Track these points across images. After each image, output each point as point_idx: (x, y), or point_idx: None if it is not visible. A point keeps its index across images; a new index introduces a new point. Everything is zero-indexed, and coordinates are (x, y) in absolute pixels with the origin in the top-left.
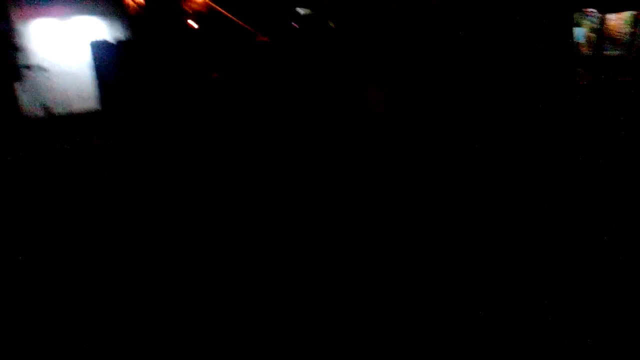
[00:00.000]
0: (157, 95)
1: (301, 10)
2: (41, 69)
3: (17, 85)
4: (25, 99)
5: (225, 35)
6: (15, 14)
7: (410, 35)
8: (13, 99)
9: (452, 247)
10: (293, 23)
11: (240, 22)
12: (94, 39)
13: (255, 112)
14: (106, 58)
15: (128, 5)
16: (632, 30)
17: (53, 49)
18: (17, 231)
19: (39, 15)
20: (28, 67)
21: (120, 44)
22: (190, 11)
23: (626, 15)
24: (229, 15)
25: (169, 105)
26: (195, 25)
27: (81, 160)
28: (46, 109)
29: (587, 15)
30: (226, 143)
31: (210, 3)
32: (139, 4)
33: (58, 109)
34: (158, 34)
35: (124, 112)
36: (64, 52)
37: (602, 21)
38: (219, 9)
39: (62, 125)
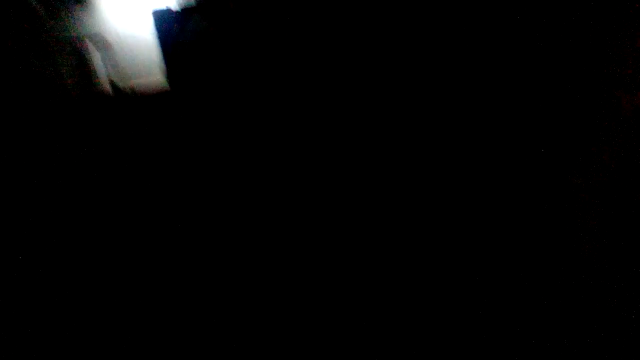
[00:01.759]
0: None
1: None
2: (104, 40)
3: (75, 58)
4: (85, 73)
5: None
6: None
7: None
8: (71, 73)
9: None
10: None
11: None
12: (155, 8)
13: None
14: (171, 29)
15: None
16: None
17: (120, 17)
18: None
19: None
20: (80, 39)
21: (186, 12)
22: None
23: None
24: None
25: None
26: None
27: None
28: (110, 83)
29: None
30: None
31: None
32: None
33: (121, 84)
34: None
35: (196, 91)
36: (131, 20)
37: None
38: None
39: (126, 101)
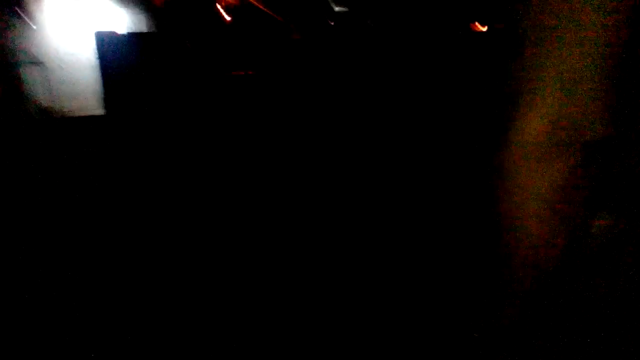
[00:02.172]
0: (176, 97)
1: (336, 7)
2: (38, 63)
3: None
4: (19, 98)
5: (258, 30)
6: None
7: None
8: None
9: None
10: (329, 20)
11: (275, 16)
12: (99, 30)
13: (288, 115)
14: (114, 53)
15: None
16: None
17: (55, 39)
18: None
19: None
20: (30, 62)
21: (133, 36)
22: (223, 2)
23: None
24: (263, 8)
25: (189, 108)
26: (227, 18)
27: (80, 171)
28: (42, 110)
29: None
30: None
31: None
32: None
33: (55, 111)
34: (183, 26)
35: (134, 117)
36: (68, 43)
37: None
38: (254, 1)
39: (60, 129)
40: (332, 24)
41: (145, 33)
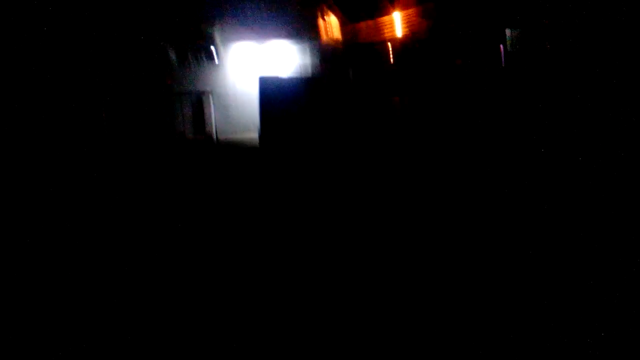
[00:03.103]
0: (327, 138)
1: (508, 31)
2: (211, 95)
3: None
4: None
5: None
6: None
7: None
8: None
9: None
10: (500, 45)
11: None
12: (263, 74)
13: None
14: (274, 95)
15: (323, 42)
16: None
17: (233, 76)
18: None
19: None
20: (201, 92)
21: (292, 80)
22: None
23: None
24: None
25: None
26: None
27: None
28: (205, 134)
29: None
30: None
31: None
32: (335, 41)
33: (219, 136)
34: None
35: (285, 152)
36: (241, 80)
37: None
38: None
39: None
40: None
41: (305, 78)
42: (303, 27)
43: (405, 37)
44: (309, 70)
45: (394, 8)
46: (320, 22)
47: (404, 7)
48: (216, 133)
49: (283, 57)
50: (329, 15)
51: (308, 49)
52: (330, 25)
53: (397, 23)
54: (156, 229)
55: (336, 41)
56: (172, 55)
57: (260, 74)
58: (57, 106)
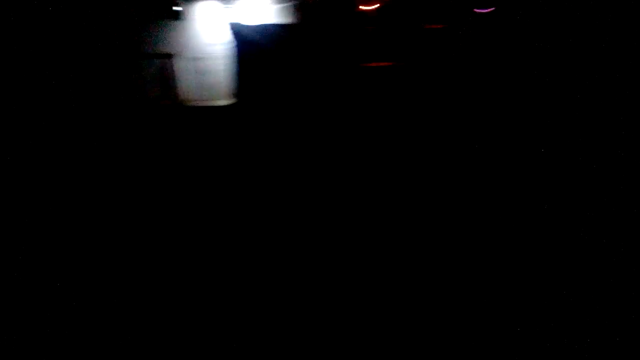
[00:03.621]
0: (304, 87)
1: None
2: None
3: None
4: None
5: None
6: None
7: None
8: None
9: None
10: (475, 9)
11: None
12: (233, 21)
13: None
14: (247, 44)
15: None
16: None
17: (200, 33)
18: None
19: None
20: (166, 55)
21: (265, 27)
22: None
23: None
24: None
25: (318, 99)
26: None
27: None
28: (171, 99)
29: None
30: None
31: None
32: None
33: (187, 98)
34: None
35: (262, 107)
36: (211, 36)
37: None
38: None
39: (190, 117)
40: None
41: (277, 24)
42: None
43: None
44: (282, 18)
45: None
46: None
47: None
48: (183, 98)
49: (255, 15)
50: None
51: (281, 4)
52: None
53: None
54: (121, 202)
55: None
56: (135, 16)
57: (230, 22)
58: (17, 70)
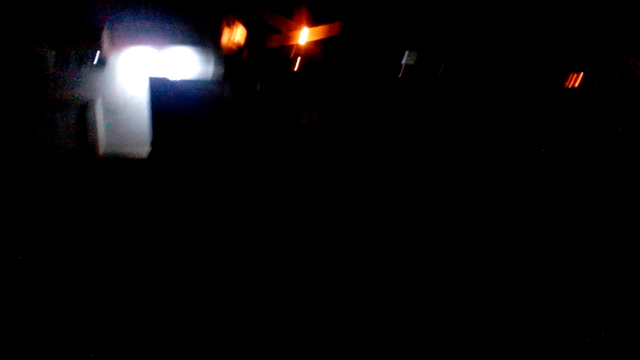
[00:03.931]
0: (219, 140)
1: (406, 57)
2: (98, 106)
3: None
4: (72, 136)
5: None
6: (104, 41)
7: None
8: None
9: None
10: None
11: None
12: (153, 75)
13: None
14: (165, 97)
15: (224, 45)
16: None
17: (121, 83)
18: None
19: (123, 45)
20: (85, 101)
21: (185, 82)
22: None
23: None
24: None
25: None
26: (295, 68)
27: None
28: (91, 148)
29: None
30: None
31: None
32: (236, 45)
33: (106, 150)
34: (251, 75)
35: (178, 159)
36: (132, 87)
37: None
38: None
39: (107, 168)
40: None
41: (197, 80)
42: (205, 34)
43: (310, 51)
44: (209, 76)
45: (301, 24)
46: (225, 30)
47: (309, 23)
48: (101, 146)
49: (181, 64)
50: (235, 25)
51: (208, 56)
52: (235, 35)
53: (303, 37)
54: (33, 249)
55: (239, 48)
56: (52, 59)
57: (150, 75)
58: None
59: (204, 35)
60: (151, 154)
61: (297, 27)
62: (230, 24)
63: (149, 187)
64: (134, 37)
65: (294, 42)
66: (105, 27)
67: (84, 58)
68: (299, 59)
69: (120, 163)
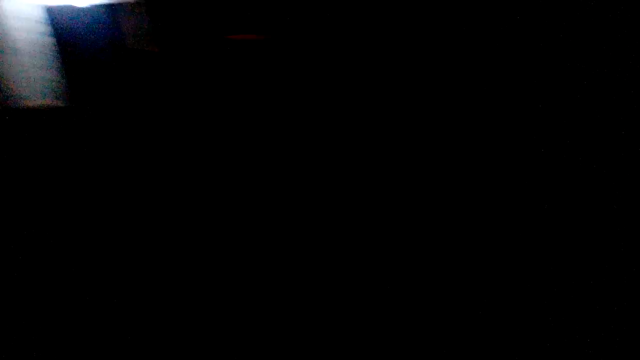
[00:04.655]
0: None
1: None
2: None
3: None
4: None
5: None
6: None
7: None
8: None
9: None
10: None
11: None
12: (51, 3)
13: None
14: (74, 31)
15: None
16: None
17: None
18: None
19: None
20: None
21: (94, 8)
22: None
23: None
24: None
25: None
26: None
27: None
28: None
29: None
30: None
31: None
32: None
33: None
34: None
35: (98, 108)
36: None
37: None
38: None
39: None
40: None
41: (110, 4)
42: None
43: None
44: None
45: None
46: None
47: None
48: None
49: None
50: None
51: None
52: None
53: None
54: None
55: None
56: None
57: (47, 4)
58: None
59: None
60: (64, 98)
61: None
62: None
63: (68, 143)
64: None
65: None
66: None
67: None
68: None
69: (25, 117)
